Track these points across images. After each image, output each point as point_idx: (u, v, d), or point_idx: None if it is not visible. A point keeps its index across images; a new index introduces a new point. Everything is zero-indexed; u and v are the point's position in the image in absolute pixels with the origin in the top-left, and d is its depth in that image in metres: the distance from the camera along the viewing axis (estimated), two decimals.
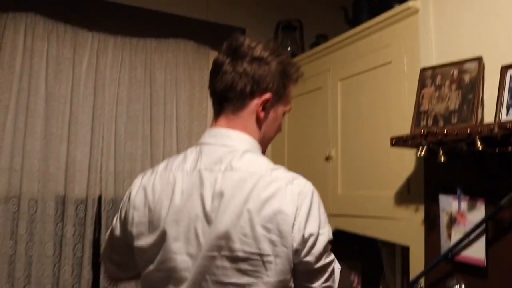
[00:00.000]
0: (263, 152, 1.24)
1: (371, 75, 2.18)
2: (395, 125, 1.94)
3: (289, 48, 2.90)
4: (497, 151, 1.43)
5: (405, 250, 2.02)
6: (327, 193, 2.41)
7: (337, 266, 1.22)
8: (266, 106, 1.19)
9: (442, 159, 1.55)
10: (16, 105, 2.36)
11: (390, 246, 2.27)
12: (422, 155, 1.62)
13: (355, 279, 2.52)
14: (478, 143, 1.43)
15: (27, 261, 2.31)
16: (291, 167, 2.74)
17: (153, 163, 2.60)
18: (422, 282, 1.83)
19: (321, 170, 2.47)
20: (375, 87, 2.15)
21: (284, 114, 1.27)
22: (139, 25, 2.67)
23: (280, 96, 1.21)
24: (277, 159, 2.94)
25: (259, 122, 1.20)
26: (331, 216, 2.32)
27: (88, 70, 2.54)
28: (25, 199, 2.32)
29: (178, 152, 2.68)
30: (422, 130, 1.63)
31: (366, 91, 2.21)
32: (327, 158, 2.41)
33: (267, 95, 1.18)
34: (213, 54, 2.85)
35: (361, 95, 2.24)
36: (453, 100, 1.69)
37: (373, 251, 2.39)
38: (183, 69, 2.75)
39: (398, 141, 1.73)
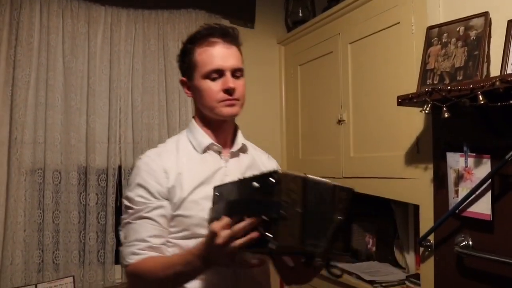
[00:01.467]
0: (212, 111, 1.37)
1: (380, 37, 2.17)
2: (404, 86, 1.94)
3: (300, 14, 2.89)
4: (499, 104, 1.43)
5: (417, 210, 2.05)
6: (340, 156, 2.44)
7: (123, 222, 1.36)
8: (188, 87, 1.43)
9: (446, 115, 1.56)
10: (36, 80, 2.44)
11: (403, 207, 2.30)
12: (426, 112, 1.63)
13: (370, 240, 2.57)
14: (480, 97, 1.44)
15: (55, 229, 2.44)
16: (304, 132, 2.81)
17: (169, 132, 2.67)
18: (432, 239, 1.87)
19: (333, 133, 2.50)
20: (385, 48, 2.15)
21: (209, 76, 1.34)
22: None
23: (188, 69, 1.39)
24: (291, 125, 2.98)
25: (194, 101, 1.45)
26: (345, 178, 2.38)
27: (103, 43, 2.60)
28: (49, 170, 2.43)
29: None
30: (427, 88, 1.64)
31: (376, 53, 2.20)
32: (339, 122, 2.44)
33: (181, 79, 1.45)
34: (224, 23, 2.88)
35: (371, 58, 2.24)
36: (459, 57, 1.69)
37: (387, 213, 2.42)
38: None
39: (404, 100, 1.75)
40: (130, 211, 1.32)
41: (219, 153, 1.42)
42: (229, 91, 1.34)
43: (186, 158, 1.38)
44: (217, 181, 1.30)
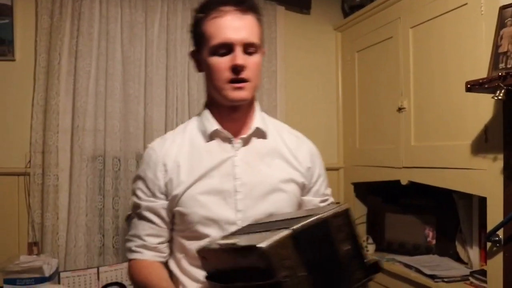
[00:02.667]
0: (219, 94, 1.21)
1: (444, 20, 2.06)
2: (471, 71, 1.84)
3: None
4: None
5: (482, 203, 1.94)
6: (399, 145, 2.36)
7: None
8: (196, 61, 1.28)
9: None
10: (96, 70, 2.50)
11: (467, 199, 2.19)
12: (500, 98, 1.52)
13: (429, 233, 2.47)
14: None
15: (114, 214, 2.51)
16: (362, 120, 2.74)
17: None
18: (500, 234, 1.77)
19: (393, 121, 2.41)
20: (449, 32, 2.04)
21: (217, 51, 1.17)
22: None
23: (197, 42, 1.24)
24: (348, 113, 2.91)
25: (204, 80, 1.28)
26: (404, 168, 2.29)
27: (160, 32, 2.63)
28: (109, 157, 2.50)
29: None
30: (500, 72, 1.53)
31: (440, 37, 2.09)
32: (400, 109, 2.35)
33: (190, 51, 1.31)
34: (280, 10, 2.85)
35: (434, 42, 2.13)
36: None
37: (449, 205, 2.32)
38: None
39: (474, 86, 1.65)
40: (134, 203, 1.28)
41: (230, 141, 1.26)
42: (236, 69, 1.15)
43: (189, 147, 1.26)
44: (224, 173, 1.22)
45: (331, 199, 1.43)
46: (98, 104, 2.49)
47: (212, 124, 1.25)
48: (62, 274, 2.21)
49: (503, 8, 1.69)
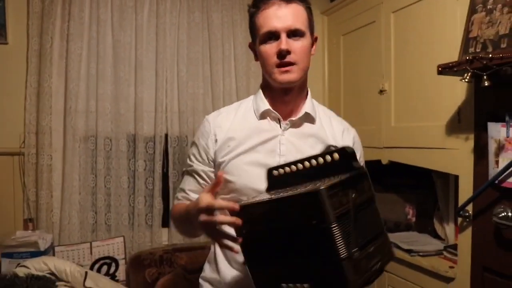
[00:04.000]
0: (270, 77, 1.29)
1: (423, 5, 2.13)
2: (447, 55, 1.91)
3: None
4: None
5: (457, 181, 2.04)
6: (380, 125, 2.44)
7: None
8: (254, 52, 1.36)
9: (486, 83, 1.54)
10: (88, 53, 2.57)
11: (444, 178, 2.28)
12: (466, 81, 1.61)
13: (410, 211, 2.58)
14: None
15: (106, 193, 2.61)
16: (346, 101, 2.82)
17: (213, 102, 2.75)
18: (470, 210, 1.87)
19: (375, 103, 2.50)
20: (428, 17, 2.11)
21: (265, 40, 1.26)
22: None
23: (252, 34, 1.34)
24: (333, 94, 2.99)
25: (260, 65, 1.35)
26: (385, 148, 2.38)
27: (150, 16, 2.69)
28: (101, 138, 2.58)
29: (237, 90, 2.80)
30: (468, 56, 1.61)
31: (419, 22, 2.17)
32: (381, 91, 2.43)
33: (249, 42, 1.39)
34: None
35: (414, 27, 2.20)
36: (504, 24, 1.64)
37: (428, 184, 2.42)
38: (238, 10, 2.82)
39: (444, 69, 1.73)
40: (187, 163, 1.41)
41: (279, 121, 1.34)
42: (281, 54, 1.24)
43: (242, 121, 1.35)
44: (269, 150, 1.30)
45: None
46: (89, 86, 2.57)
47: (265, 104, 1.34)
48: (57, 248, 2.31)
49: None
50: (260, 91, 1.38)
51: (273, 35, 1.25)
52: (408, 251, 2.19)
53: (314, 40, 1.34)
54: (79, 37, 2.54)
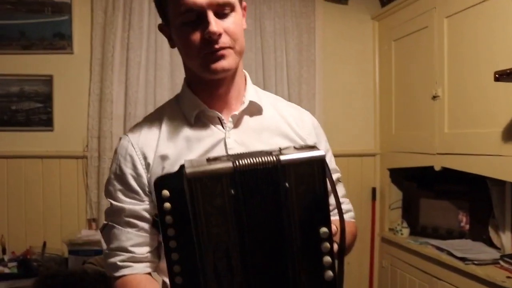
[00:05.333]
0: (197, 68, 1.01)
1: (477, 10, 2.11)
2: (502, 61, 1.89)
3: None
4: None
5: None
6: (434, 132, 2.43)
7: None
8: (168, 36, 1.05)
9: None
10: (146, 60, 2.70)
11: (500, 185, 2.24)
12: None
13: (463, 218, 2.54)
14: None
15: None
16: (398, 107, 2.82)
17: None
18: None
19: (427, 109, 2.48)
20: (483, 22, 2.08)
21: (184, 21, 0.96)
22: None
23: (161, 13, 1.04)
24: (384, 100, 3.00)
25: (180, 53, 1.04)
26: (438, 154, 2.37)
27: None
28: None
29: (289, 97, 2.86)
30: None
31: (474, 27, 2.14)
32: (434, 97, 2.41)
33: (159, 24, 1.08)
34: (318, 1, 2.94)
35: (468, 32, 2.18)
36: None
37: (482, 191, 2.37)
38: (290, 17, 2.88)
39: (502, 76, 1.71)
40: (110, 207, 1.04)
41: (220, 120, 1.05)
42: (210, 40, 0.93)
43: (172, 132, 1.04)
44: None
45: (339, 174, 1.21)
46: (148, 92, 2.70)
47: (196, 104, 1.04)
48: None
49: None
50: (186, 88, 1.07)
51: (195, 14, 0.94)
52: (462, 259, 2.16)
53: (243, 9, 1.05)
54: (138, 45, 2.67)
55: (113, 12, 2.63)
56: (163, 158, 1.01)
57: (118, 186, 1.02)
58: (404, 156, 2.74)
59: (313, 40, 2.95)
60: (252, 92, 1.09)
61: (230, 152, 1.00)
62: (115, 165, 1.04)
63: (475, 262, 2.12)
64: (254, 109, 1.08)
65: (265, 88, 2.82)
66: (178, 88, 2.69)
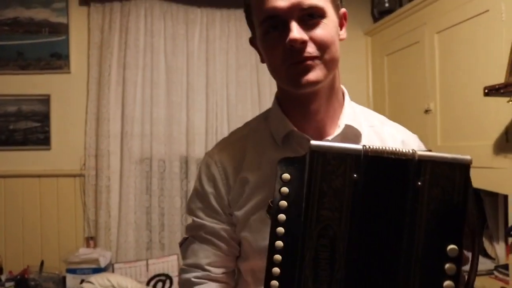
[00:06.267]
0: (282, 82, 0.91)
1: (468, 26, 2.15)
2: (492, 75, 1.93)
3: (386, 5, 2.91)
4: None
5: (507, 200, 2.03)
6: (427, 145, 2.43)
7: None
8: (257, 50, 0.96)
9: None
10: (142, 79, 2.74)
11: (493, 197, 2.27)
12: None
13: None
14: None
15: (160, 212, 2.74)
16: (392, 120, 2.83)
17: None
18: None
19: (420, 122, 2.52)
20: (473, 37, 2.13)
21: (267, 31, 0.86)
22: None
23: (250, 26, 0.95)
24: (378, 113, 3.02)
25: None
26: None
27: (200, 43, 2.83)
28: (155, 160, 2.73)
29: None
30: None
31: (464, 43, 2.19)
32: (426, 111, 2.45)
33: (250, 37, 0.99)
34: None
35: (458, 47, 2.23)
36: None
37: (476, 203, 2.40)
38: None
39: (491, 91, 1.75)
40: (192, 223, 1.01)
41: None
42: (293, 49, 0.83)
43: (256, 154, 0.95)
44: None
45: None
46: (144, 111, 2.73)
47: (286, 124, 0.93)
48: (116, 266, 2.45)
49: None
50: (276, 105, 0.97)
51: (277, 22, 0.84)
52: None
53: (341, 17, 0.93)
54: (135, 64, 2.71)
55: (109, 32, 2.67)
56: (245, 181, 0.93)
57: (199, 204, 0.99)
58: None
59: None
60: (349, 113, 0.96)
61: None
62: (198, 182, 1.00)
63: None
64: (350, 134, 0.94)
65: (260, 105, 2.87)
66: (173, 106, 2.76)
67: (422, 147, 1.05)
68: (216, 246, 0.96)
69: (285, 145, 0.93)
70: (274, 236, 0.69)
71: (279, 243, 0.69)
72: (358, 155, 0.67)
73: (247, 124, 1.04)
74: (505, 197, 2.04)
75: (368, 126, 0.99)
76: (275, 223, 0.70)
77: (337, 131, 0.92)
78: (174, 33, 2.78)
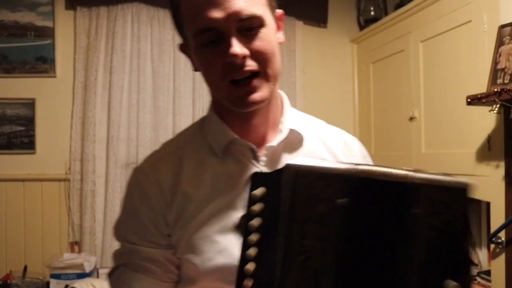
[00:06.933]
0: (223, 99, 0.84)
1: (451, 35, 2.19)
2: (474, 85, 1.97)
3: (372, 13, 2.95)
4: None
5: (489, 207, 2.07)
6: (411, 152, 2.50)
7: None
8: (189, 57, 0.89)
9: None
10: (129, 84, 2.73)
11: (476, 204, 2.31)
12: (495, 112, 1.66)
13: None
14: None
15: None
16: (377, 128, 2.89)
17: None
18: (503, 236, 1.89)
19: (405, 130, 2.55)
20: (456, 47, 2.17)
21: (202, 41, 0.79)
22: None
23: (180, 31, 0.87)
24: (363, 121, 3.06)
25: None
26: None
27: None
28: None
29: None
30: (496, 88, 1.67)
31: (447, 52, 2.23)
32: (411, 119, 2.48)
33: (179, 44, 0.91)
34: (298, 24, 3.02)
35: (442, 56, 2.27)
36: None
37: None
38: None
39: (473, 100, 1.78)
40: (121, 249, 0.89)
41: (253, 152, 0.87)
42: (233, 65, 0.76)
43: (195, 168, 0.87)
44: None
45: None
46: (131, 115, 2.72)
47: (225, 133, 0.87)
48: (101, 271, 2.43)
49: (502, 27, 1.82)
50: (213, 113, 0.90)
51: (213, 33, 0.77)
52: None
53: (278, 19, 0.87)
54: (121, 69, 2.70)
55: (96, 36, 2.66)
56: (186, 196, 0.84)
57: (130, 227, 0.87)
58: None
59: (293, 63, 3.01)
60: (290, 118, 0.92)
61: None
62: (127, 202, 0.89)
63: None
64: (293, 139, 0.91)
65: None
66: (160, 111, 2.76)
67: (364, 150, 1.02)
68: (153, 273, 0.85)
69: (226, 155, 0.87)
70: (244, 260, 0.62)
71: (251, 265, 0.61)
72: (345, 177, 0.60)
73: (180, 135, 0.97)
74: (488, 204, 2.08)
75: (309, 129, 0.95)
76: (246, 245, 0.62)
77: (280, 136, 0.88)
78: (161, 38, 2.78)
